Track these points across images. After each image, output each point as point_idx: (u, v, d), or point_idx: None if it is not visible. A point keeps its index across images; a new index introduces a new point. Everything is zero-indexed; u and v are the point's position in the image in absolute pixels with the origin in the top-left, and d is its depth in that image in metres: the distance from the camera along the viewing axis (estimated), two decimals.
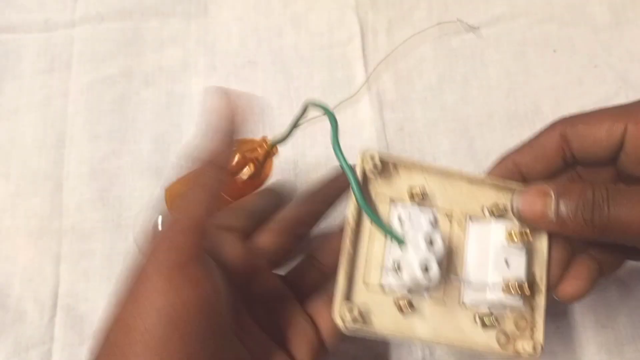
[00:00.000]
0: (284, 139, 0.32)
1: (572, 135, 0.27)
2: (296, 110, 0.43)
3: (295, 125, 0.31)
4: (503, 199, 0.28)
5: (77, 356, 0.37)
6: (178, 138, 0.42)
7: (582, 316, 0.38)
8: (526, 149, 0.28)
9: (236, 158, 0.32)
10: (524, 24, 0.45)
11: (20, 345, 0.36)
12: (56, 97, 0.43)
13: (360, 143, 0.39)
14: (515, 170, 0.28)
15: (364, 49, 0.44)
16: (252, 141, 0.33)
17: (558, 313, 0.38)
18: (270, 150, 0.33)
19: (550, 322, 0.38)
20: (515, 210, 0.26)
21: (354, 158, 0.27)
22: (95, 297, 0.38)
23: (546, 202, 0.25)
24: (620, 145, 0.26)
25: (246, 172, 0.32)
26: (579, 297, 0.28)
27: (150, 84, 0.43)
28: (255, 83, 0.44)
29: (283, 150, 0.42)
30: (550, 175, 0.28)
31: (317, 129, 0.42)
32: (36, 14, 0.45)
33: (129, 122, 0.42)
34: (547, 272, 0.28)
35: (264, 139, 0.33)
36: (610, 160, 0.27)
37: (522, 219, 0.26)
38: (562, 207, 0.25)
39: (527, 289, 0.26)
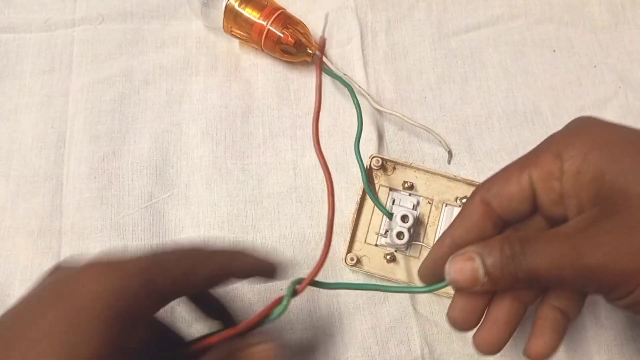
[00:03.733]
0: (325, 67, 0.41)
1: (490, 198, 0.27)
2: (296, 111, 0.43)
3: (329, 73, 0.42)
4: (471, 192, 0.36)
5: None
6: (178, 137, 0.42)
7: (582, 316, 0.38)
8: (457, 222, 0.28)
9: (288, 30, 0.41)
10: (523, 24, 0.45)
11: None
12: (56, 97, 0.43)
13: (361, 142, 0.39)
14: (453, 246, 0.27)
15: (363, 49, 0.44)
16: (307, 34, 0.42)
17: None
18: (312, 49, 0.42)
19: None
20: (450, 282, 0.25)
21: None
22: None
23: (473, 266, 0.24)
24: (533, 193, 0.26)
25: (285, 41, 0.41)
26: (550, 352, 0.26)
27: (150, 83, 0.43)
28: (255, 84, 0.44)
29: (283, 151, 0.42)
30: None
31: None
32: (36, 14, 0.45)
33: (129, 121, 0.42)
34: None
35: (319, 42, 0.42)
36: (534, 209, 0.26)
37: (458, 288, 0.26)
38: (489, 267, 0.24)
39: None
